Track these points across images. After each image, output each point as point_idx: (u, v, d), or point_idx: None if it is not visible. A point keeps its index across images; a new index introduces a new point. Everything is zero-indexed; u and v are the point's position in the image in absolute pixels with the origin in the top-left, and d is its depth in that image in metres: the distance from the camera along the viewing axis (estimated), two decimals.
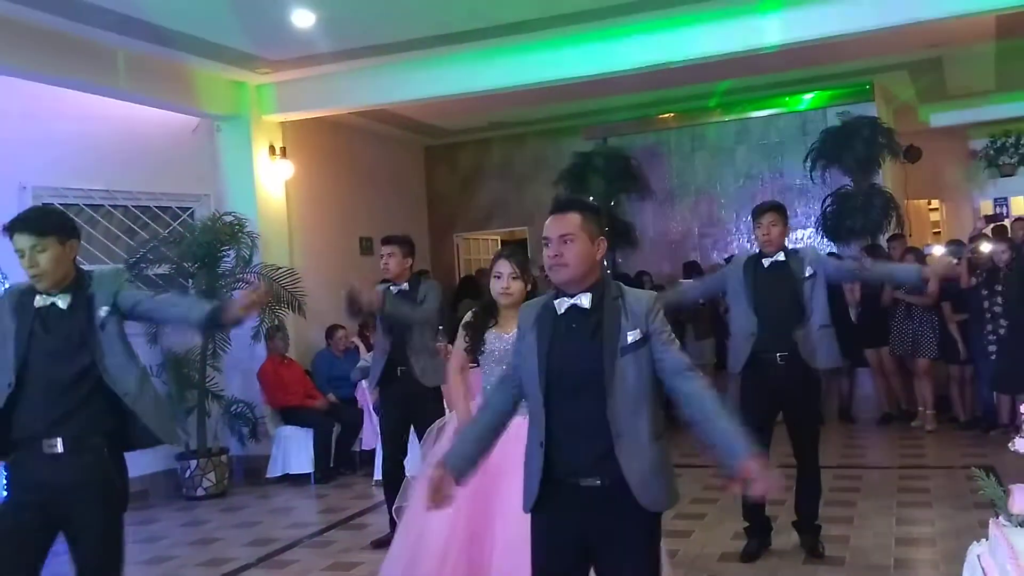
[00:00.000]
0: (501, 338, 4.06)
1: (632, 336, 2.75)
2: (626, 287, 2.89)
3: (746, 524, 5.36)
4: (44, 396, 3.31)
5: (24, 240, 3.33)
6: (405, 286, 5.64)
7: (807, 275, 5.13)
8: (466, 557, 3.83)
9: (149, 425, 3.49)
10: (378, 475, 7.68)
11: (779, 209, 5.23)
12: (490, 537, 3.78)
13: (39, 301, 3.40)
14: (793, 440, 5.34)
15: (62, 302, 3.41)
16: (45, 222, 3.41)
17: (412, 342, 5.58)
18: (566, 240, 2.77)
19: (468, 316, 4.26)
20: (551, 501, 2.78)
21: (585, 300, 2.79)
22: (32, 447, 3.32)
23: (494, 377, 3.93)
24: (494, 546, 3.74)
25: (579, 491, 2.74)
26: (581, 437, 2.74)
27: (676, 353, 2.84)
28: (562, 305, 2.82)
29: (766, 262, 5.18)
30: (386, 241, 5.76)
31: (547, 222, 2.85)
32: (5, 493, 3.52)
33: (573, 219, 2.80)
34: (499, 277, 4.10)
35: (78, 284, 3.47)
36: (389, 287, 5.65)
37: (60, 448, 3.31)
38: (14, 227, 3.37)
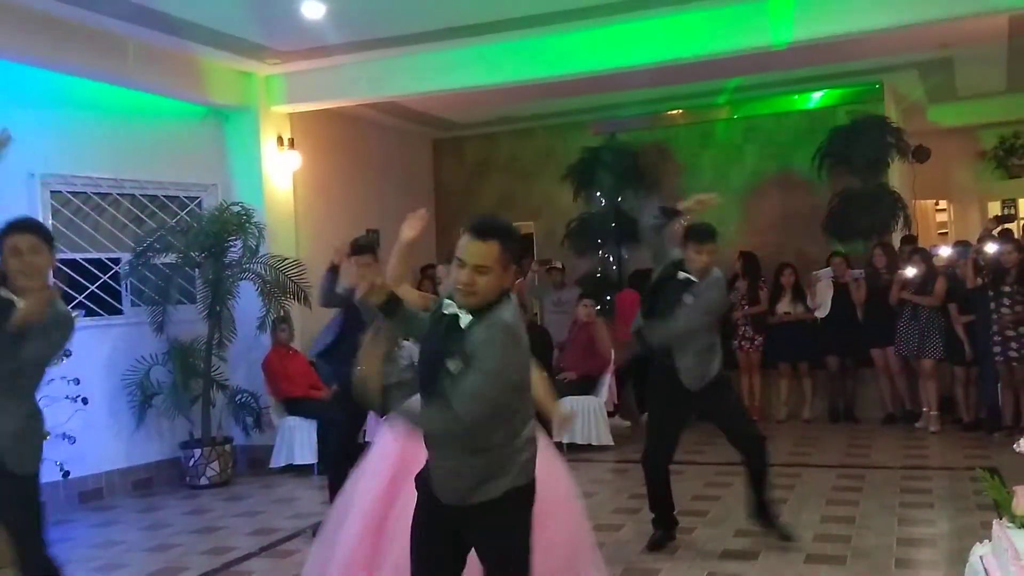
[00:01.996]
0: None
1: (454, 367, 2.74)
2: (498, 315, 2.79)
3: (652, 515, 5.55)
4: None
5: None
6: None
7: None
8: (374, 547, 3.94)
9: None
10: None
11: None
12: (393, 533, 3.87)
13: None
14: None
15: None
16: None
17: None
18: (481, 271, 2.73)
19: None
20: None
21: (464, 321, 2.77)
22: None
23: None
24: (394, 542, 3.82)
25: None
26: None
27: (467, 394, 2.75)
28: (447, 309, 2.81)
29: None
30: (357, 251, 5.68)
31: (463, 242, 2.77)
32: None
33: (492, 249, 2.74)
34: (439, 282, 4.22)
35: None
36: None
37: None
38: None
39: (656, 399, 5.55)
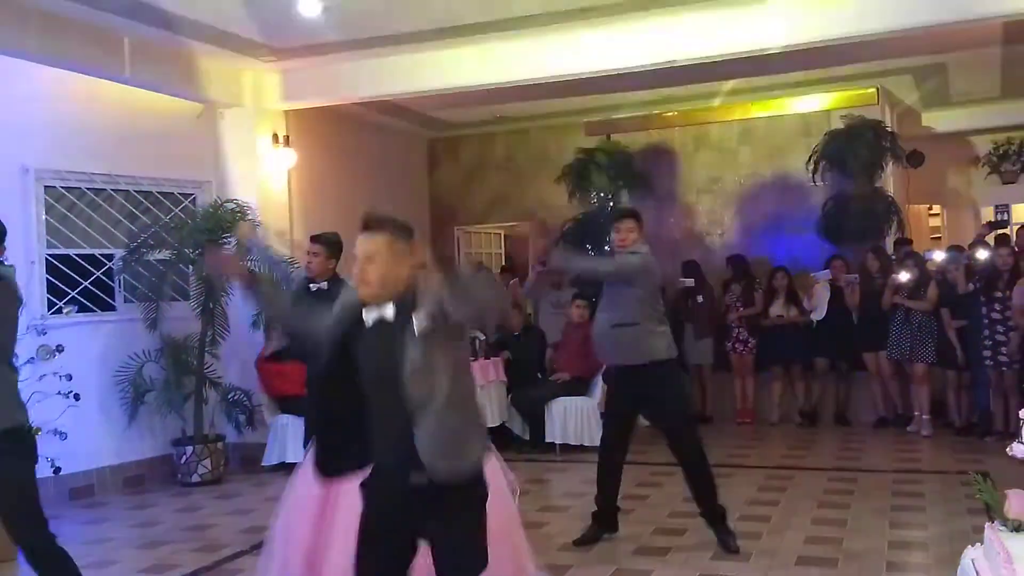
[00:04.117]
0: None
1: (420, 326, 2.85)
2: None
3: (594, 509, 5.63)
4: None
5: None
6: (324, 285, 5.62)
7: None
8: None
9: None
10: None
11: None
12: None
13: None
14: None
15: None
16: None
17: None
18: (370, 260, 2.89)
19: None
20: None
21: (389, 312, 2.91)
22: None
23: None
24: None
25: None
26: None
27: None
28: (369, 318, 2.93)
29: None
30: (313, 240, 5.80)
31: (358, 238, 2.95)
32: None
33: (379, 241, 2.91)
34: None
35: None
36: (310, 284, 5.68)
37: None
38: None
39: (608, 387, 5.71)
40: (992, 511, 2.54)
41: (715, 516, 5.43)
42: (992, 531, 2.45)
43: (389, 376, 2.84)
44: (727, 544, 5.33)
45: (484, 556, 2.92)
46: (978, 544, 2.60)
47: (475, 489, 2.94)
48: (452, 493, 2.87)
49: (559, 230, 5.93)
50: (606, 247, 10.72)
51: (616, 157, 10.88)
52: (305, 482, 3.99)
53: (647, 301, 5.36)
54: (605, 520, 5.64)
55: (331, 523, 3.87)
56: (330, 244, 5.74)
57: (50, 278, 7.58)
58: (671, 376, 5.48)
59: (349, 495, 3.40)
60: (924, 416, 8.77)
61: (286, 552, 4.08)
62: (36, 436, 3.98)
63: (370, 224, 2.96)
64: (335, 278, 5.65)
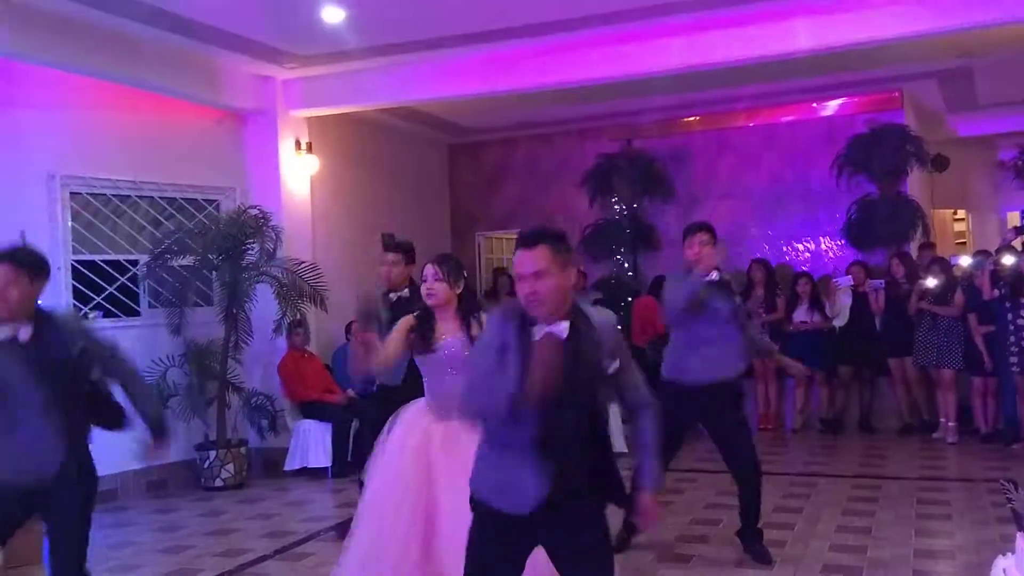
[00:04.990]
0: (448, 343, 4.08)
1: (612, 367, 2.89)
2: (588, 310, 2.93)
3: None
4: None
5: None
6: (405, 292, 5.42)
7: None
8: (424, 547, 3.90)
9: None
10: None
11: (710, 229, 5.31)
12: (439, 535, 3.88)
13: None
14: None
15: None
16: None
17: None
18: (539, 276, 2.77)
19: (410, 319, 4.22)
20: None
21: (563, 330, 2.80)
22: None
23: (446, 384, 3.99)
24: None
25: None
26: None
27: (643, 384, 3.06)
28: (539, 333, 2.80)
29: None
30: (388, 248, 5.59)
31: (516, 256, 2.85)
32: None
33: (543, 253, 2.79)
34: (425, 280, 4.17)
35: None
36: (388, 294, 5.47)
37: None
38: None
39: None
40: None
41: (755, 531, 5.32)
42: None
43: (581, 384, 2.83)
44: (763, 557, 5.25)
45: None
46: (1009, 554, 2.56)
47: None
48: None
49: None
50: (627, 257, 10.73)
51: (638, 162, 10.86)
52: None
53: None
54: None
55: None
56: (407, 251, 5.57)
57: (76, 284, 7.65)
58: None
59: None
60: (950, 423, 8.67)
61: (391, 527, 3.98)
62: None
63: (529, 239, 2.86)
64: (412, 285, 5.45)
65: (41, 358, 3.59)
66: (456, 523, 3.51)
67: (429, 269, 4.17)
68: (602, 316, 2.94)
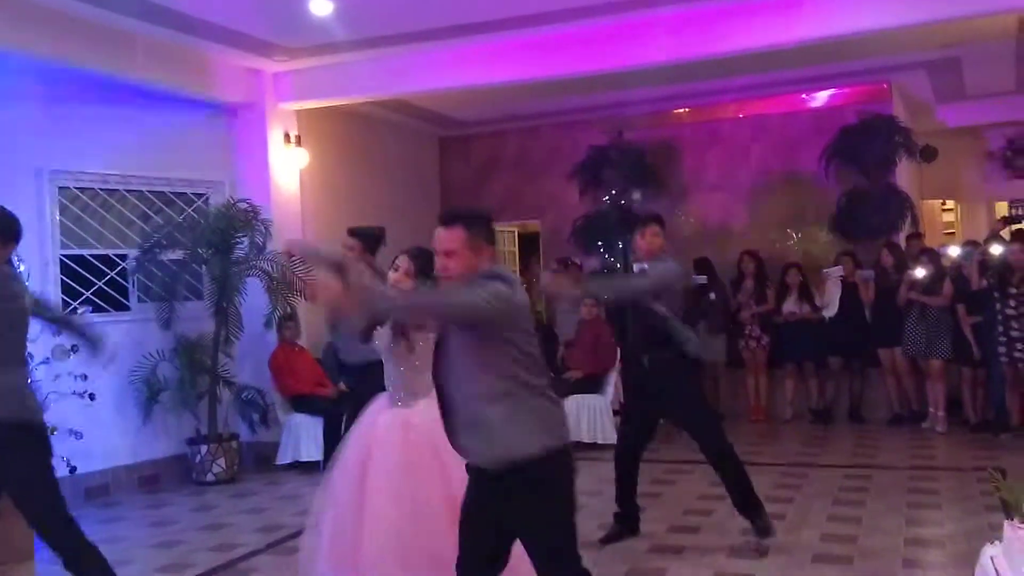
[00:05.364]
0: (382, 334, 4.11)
1: None
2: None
3: (616, 511, 5.65)
4: None
5: None
6: None
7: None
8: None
9: None
10: None
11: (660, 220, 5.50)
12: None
13: None
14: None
15: None
16: None
17: None
18: (450, 255, 3.02)
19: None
20: None
21: None
22: None
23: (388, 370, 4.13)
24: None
25: None
26: None
27: None
28: None
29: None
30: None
31: (436, 232, 3.07)
32: None
33: (456, 234, 3.02)
34: (396, 269, 4.17)
35: None
36: None
37: None
38: None
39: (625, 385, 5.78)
40: (1011, 508, 2.51)
41: (748, 505, 5.36)
42: (1012, 529, 2.43)
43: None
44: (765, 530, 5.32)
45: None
46: (997, 542, 2.58)
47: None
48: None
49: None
50: (617, 248, 10.74)
51: (628, 154, 10.86)
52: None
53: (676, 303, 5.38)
54: (628, 520, 5.67)
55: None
56: (367, 238, 5.67)
57: (64, 278, 7.61)
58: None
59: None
60: (939, 413, 8.72)
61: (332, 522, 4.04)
62: (52, 434, 3.97)
63: (446, 218, 3.09)
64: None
65: None
66: (380, 510, 3.73)
67: (404, 262, 4.14)
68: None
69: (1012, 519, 2.49)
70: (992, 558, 2.52)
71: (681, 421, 5.65)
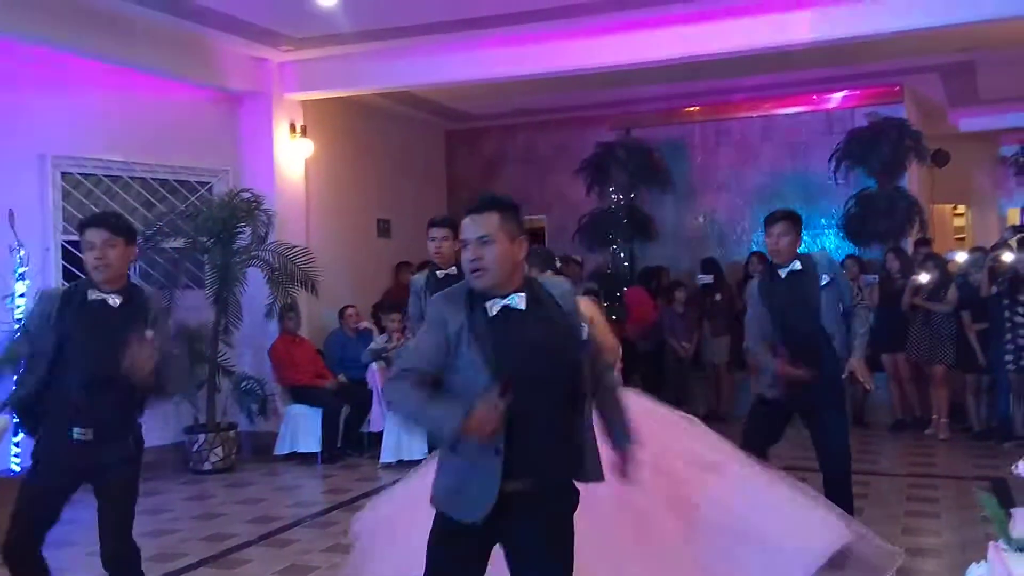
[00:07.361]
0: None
1: (585, 331, 2.79)
2: (543, 280, 2.87)
3: None
4: None
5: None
6: (453, 270, 5.17)
7: (824, 283, 5.07)
8: None
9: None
10: (385, 457, 7.74)
11: (792, 218, 5.19)
12: None
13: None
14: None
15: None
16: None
17: None
18: (484, 242, 2.66)
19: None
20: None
21: (519, 301, 2.70)
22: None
23: None
24: None
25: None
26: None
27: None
28: (494, 307, 2.68)
29: (782, 272, 5.14)
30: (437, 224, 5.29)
31: (463, 222, 2.72)
32: None
33: (491, 219, 2.67)
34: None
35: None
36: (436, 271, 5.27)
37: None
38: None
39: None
40: (997, 530, 2.46)
41: None
42: (996, 551, 2.38)
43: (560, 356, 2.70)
44: None
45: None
46: (983, 562, 2.53)
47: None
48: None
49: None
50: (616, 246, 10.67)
51: (636, 152, 10.79)
52: None
53: None
54: None
55: None
56: (455, 226, 5.48)
57: (66, 264, 7.61)
58: None
59: None
60: (942, 419, 8.64)
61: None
62: None
63: (477, 204, 2.73)
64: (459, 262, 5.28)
65: None
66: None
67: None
68: (558, 284, 2.83)
69: (998, 539, 2.44)
70: None
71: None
